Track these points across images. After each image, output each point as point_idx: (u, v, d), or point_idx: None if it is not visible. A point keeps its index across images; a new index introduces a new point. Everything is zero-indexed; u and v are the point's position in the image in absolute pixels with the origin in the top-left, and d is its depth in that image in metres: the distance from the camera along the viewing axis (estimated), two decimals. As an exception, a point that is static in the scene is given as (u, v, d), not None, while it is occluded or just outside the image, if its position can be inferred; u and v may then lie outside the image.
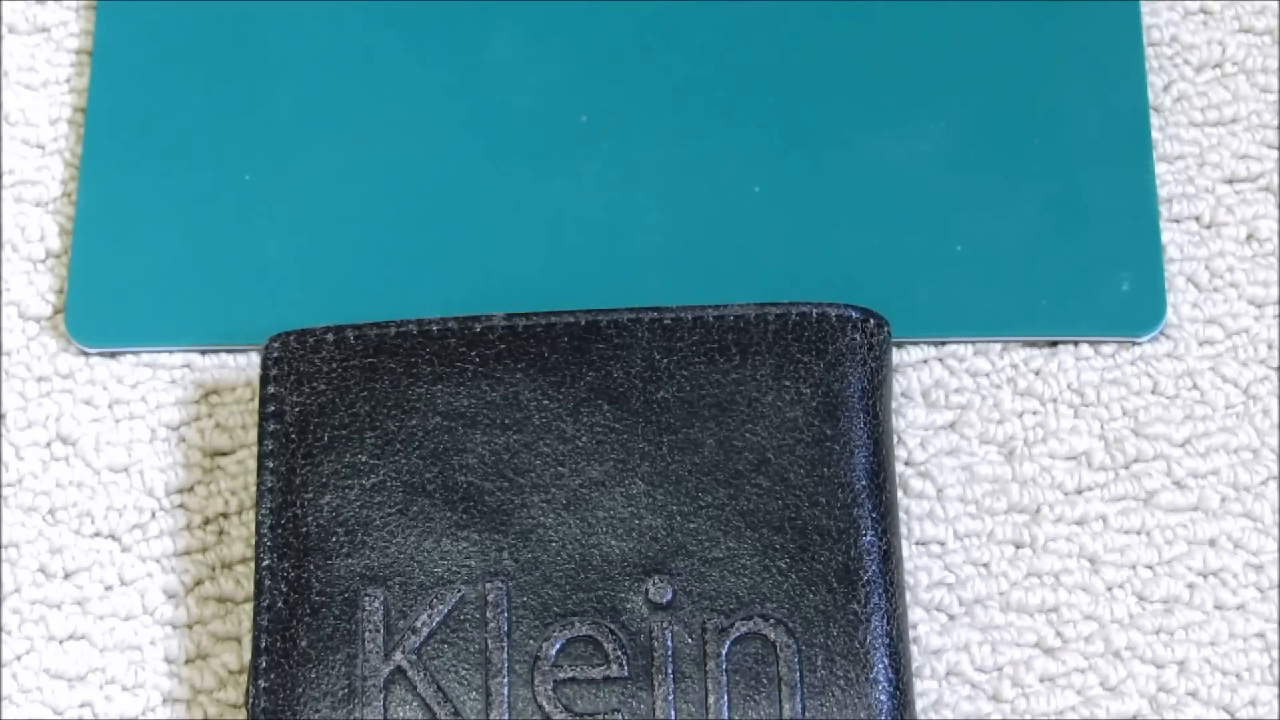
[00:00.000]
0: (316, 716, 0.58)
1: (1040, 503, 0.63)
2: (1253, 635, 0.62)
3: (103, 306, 0.65)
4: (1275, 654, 0.62)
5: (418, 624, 0.59)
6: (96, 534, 0.63)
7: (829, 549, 0.59)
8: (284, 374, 0.61)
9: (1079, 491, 0.63)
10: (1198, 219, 0.66)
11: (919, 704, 0.61)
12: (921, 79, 0.67)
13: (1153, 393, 0.64)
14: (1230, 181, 0.67)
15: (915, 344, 0.65)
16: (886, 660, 0.58)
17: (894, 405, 0.64)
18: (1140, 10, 0.68)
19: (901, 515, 0.63)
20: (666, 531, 0.59)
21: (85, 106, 0.67)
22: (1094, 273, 0.64)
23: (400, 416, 0.60)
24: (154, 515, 0.63)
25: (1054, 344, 0.65)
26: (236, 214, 0.66)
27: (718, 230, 0.65)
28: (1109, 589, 0.62)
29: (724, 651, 0.58)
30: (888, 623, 0.58)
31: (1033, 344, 0.65)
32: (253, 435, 0.64)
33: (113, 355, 0.65)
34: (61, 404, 0.64)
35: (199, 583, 0.63)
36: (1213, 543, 0.63)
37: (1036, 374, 0.64)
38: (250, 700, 0.58)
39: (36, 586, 0.63)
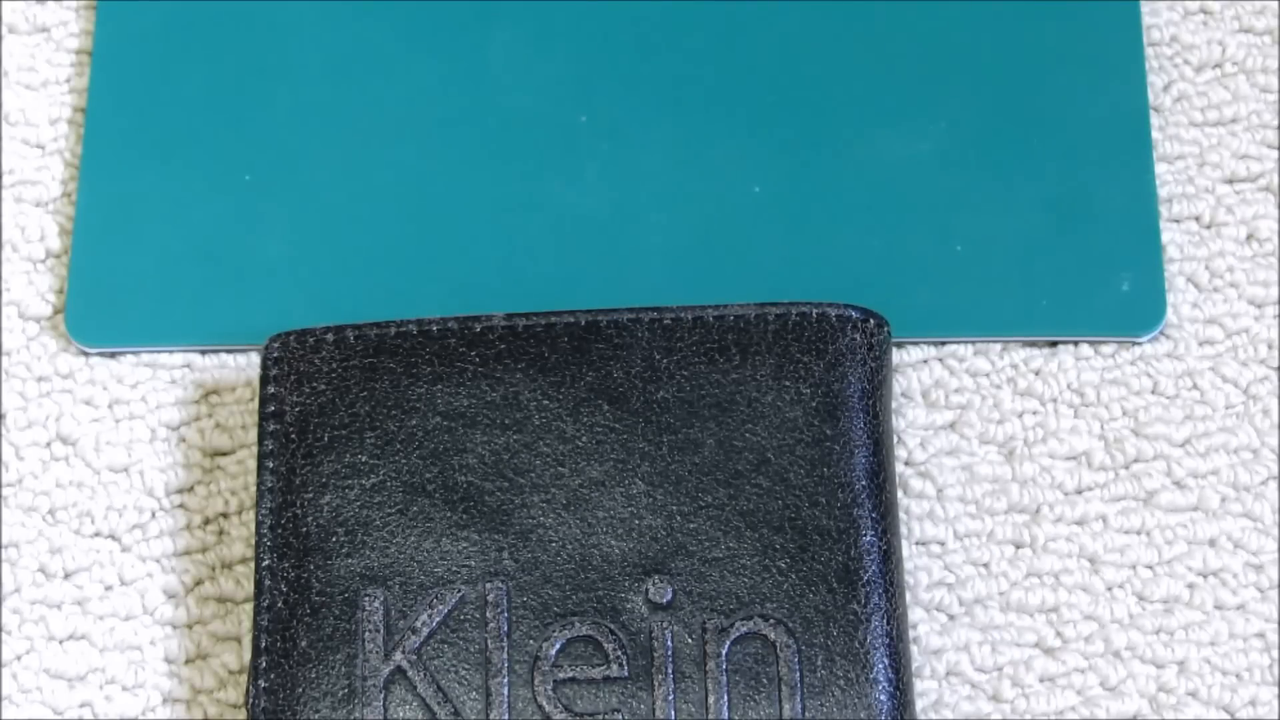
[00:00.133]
0: (316, 716, 0.58)
1: (1040, 503, 0.63)
2: (1253, 635, 0.62)
3: (103, 306, 0.65)
4: (1275, 654, 0.62)
5: (418, 624, 0.59)
6: (96, 534, 0.63)
7: (829, 549, 0.59)
8: (284, 374, 0.61)
9: (1079, 491, 0.63)
10: (1198, 219, 0.66)
11: (919, 704, 0.61)
12: (921, 79, 0.67)
13: (1153, 393, 0.64)
14: (1230, 181, 0.67)
15: (915, 344, 0.65)
16: (886, 660, 0.58)
17: (894, 405, 0.64)
18: (1140, 10, 0.68)
19: (901, 515, 0.63)
20: (666, 531, 0.59)
21: (85, 106, 0.67)
22: (1094, 273, 0.64)
23: (400, 416, 0.60)
24: (154, 515, 0.63)
25: (1054, 344, 0.65)
26: (236, 214, 0.66)
27: (718, 230, 0.65)
28: (1109, 589, 0.62)
29: (724, 651, 0.58)
30: (888, 623, 0.58)
31: (1033, 344, 0.65)
32: (253, 435, 0.64)
33: (113, 355, 0.65)
34: (61, 404, 0.64)
35: (199, 583, 0.63)
36: (1213, 543, 0.63)
37: (1036, 374, 0.64)
38: (250, 700, 0.58)
39: (36, 586, 0.63)
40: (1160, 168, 0.67)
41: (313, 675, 0.58)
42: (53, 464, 0.64)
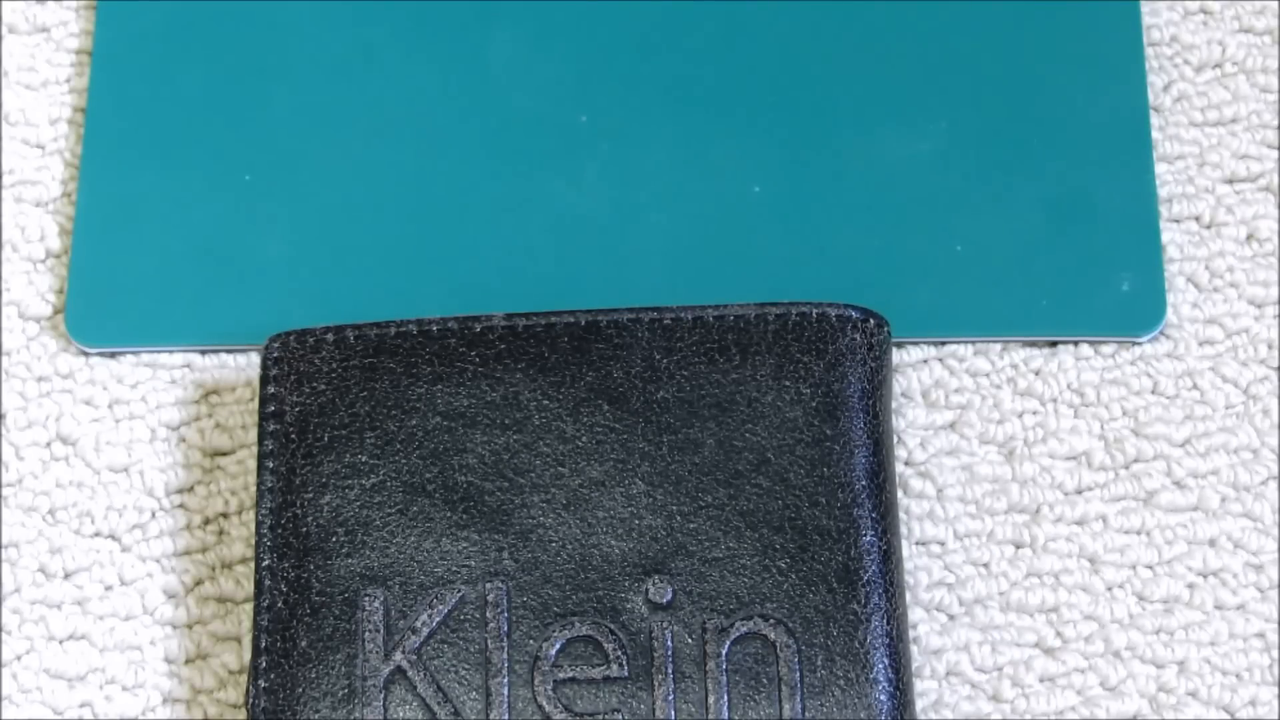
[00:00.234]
0: (316, 716, 0.58)
1: (1040, 503, 0.63)
2: (1253, 635, 0.62)
3: (103, 306, 0.65)
4: (1275, 654, 0.62)
5: (418, 624, 0.59)
6: (96, 534, 0.63)
7: (829, 549, 0.59)
8: (284, 374, 0.61)
9: (1079, 491, 0.63)
10: (1198, 219, 0.66)
11: (919, 704, 0.61)
12: (921, 79, 0.67)
13: (1153, 393, 0.64)
14: (1230, 181, 0.67)
15: (915, 344, 0.65)
16: (886, 660, 0.58)
17: (894, 405, 0.64)
18: (1140, 10, 0.68)
19: (901, 515, 0.63)
20: (666, 531, 0.59)
21: (85, 106, 0.67)
22: (1094, 273, 0.64)
23: (400, 416, 0.60)
24: (154, 515, 0.63)
25: (1054, 344, 0.65)
26: (236, 214, 0.66)
27: (718, 230, 0.65)
28: (1109, 589, 0.62)
29: (724, 651, 0.58)
30: (888, 623, 0.58)
31: (1033, 344, 0.65)
32: (253, 435, 0.64)
33: (113, 355, 0.65)
34: (61, 404, 0.64)
35: (199, 583, 0.63)
36: (1213, 543, 0.63)
37: (1036, 374, 0.64)
38: (250, 700, 0.58)
39: (36, 586, 0.63)
40: (1160, 168, 0.67)
41: (313, 675, 0.58)
42: (53, 464, 0.64)
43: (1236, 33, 0.68)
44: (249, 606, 0.62)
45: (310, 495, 0.60)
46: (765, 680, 0.58)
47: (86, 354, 0.65)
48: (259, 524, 0.60)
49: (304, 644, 0.59)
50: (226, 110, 0.67)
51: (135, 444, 0.64)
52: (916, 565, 0.62)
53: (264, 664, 0.59)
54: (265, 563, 0.59)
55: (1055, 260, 0.65)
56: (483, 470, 0.60)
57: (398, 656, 0.58)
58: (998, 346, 0.65)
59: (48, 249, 0.66)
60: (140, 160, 0.66)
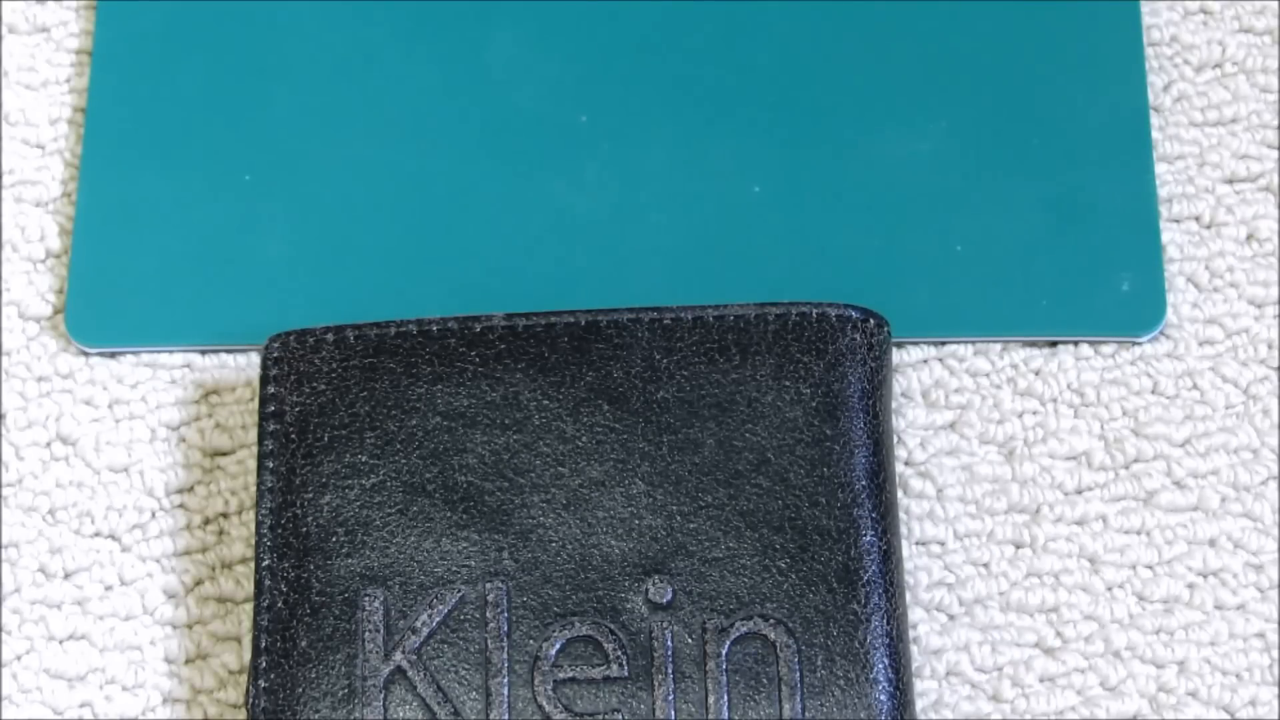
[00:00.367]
0: (316, 716, 0.58)
1: (1040, 503, 0.63)
2: (1253, 635, 0.62)
3: (103, 306, 0.65)
4: (1275, 654, 0.62)
5: (418, 624, 0.59)
6: (96, 534, 0.63)
7: (829, 549, 0.59)
8: (284, 374, 0.61)
9: (1079, 491, 0.63)
10: (1198, 219, 0.66)
11: (919, 704, 0.61)
12: (921, 79, 0.67)
13: (1153, 393, 0.64)
14: (1230, 181, 0.67)
15: (915, 344, 0.65)
16: (886, 660, 0.58)
17: (894, 405, 0.64)
18: (1140, 10, 0.68)
19: (901, 515, 0.63)
20: (666, 531, 0.59)
21: (85, 106, 0.67)
22: (1094, 273, 0.64)
23: (400, 416, 0.60)
24: (154, 515, 0.63)
25: (1054, 344, 0.65)
26: (236, 214, 0.66)
27: (718, 230, 0.65)
28: (1109, 589, 0.62)
29: (724, 651, 0.58)
30: (888, 623, 0.58)
31: (1033, 344, 0.65)
32: (253, 435, 0.64)
33: (113, 355, 0.65)
34: (61, 404, 0.64)
35: (199, 583, 0.63)
36: (1213, 543, 0.63)
37: (1036, 374, 0.64)
38: (250, 700, 0.58)
39: (36, 586, 0.63)
40: (1160, 168, 0.67)
41: (313, 675, 0.58)
42: (53, 464, 0.64)
43: (1236, 33, 0.68)
44: (249, 606, 0.62)
45: (310, 495, 0.60)
46: (765, 680, 0.58)
47: (86, 354, 0.65)
48: (259, 524, 0.60)
49: (304, 644, 0.59)
50: (226, 110, 0.67)
51: (135, 444, 0.64)
52: (916, 565, 0.62)
53: (264, 664, 0.59)
54: (265, 563, 0.59)
55: (1055, 260, 0.65)
56: (483, 470, 0.60)
57: (398, 656, 0.58)
58: (998, 346, 0.65)
59: (48, 249, 0.66)
60: (140, 160, 0.66)
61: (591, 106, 0.67)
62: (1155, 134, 0.67)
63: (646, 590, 0.59)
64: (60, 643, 0.62)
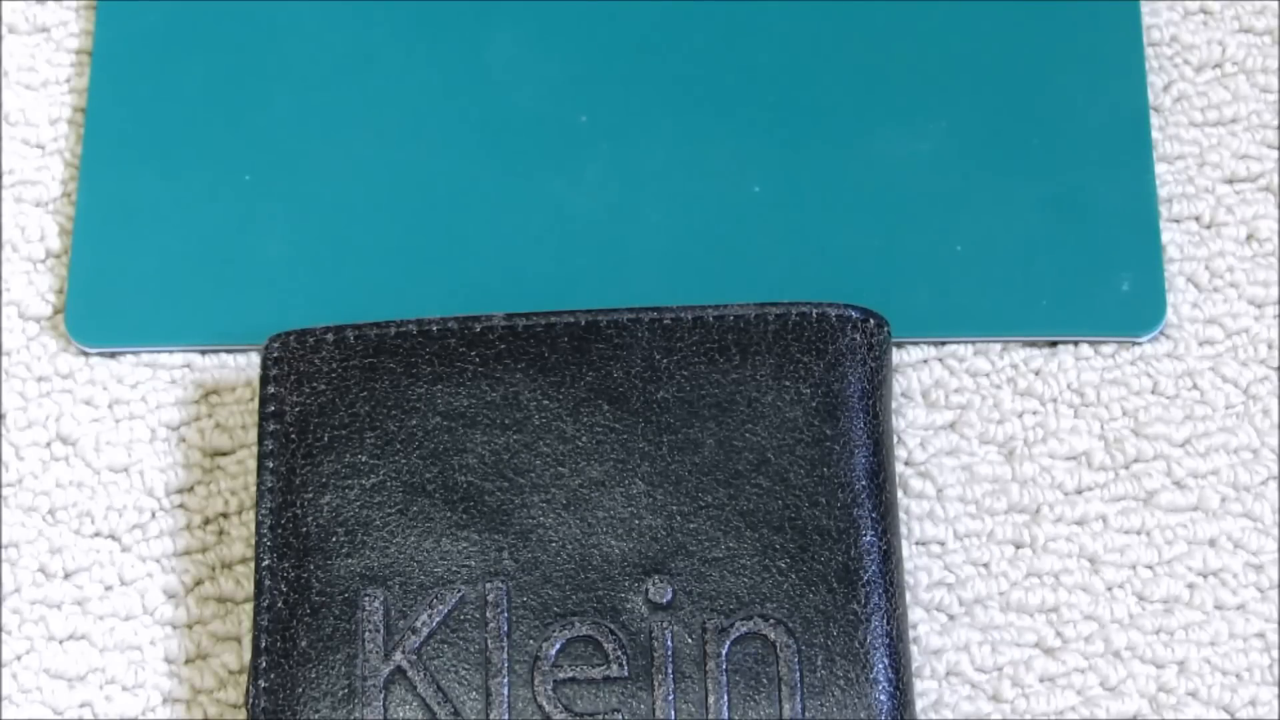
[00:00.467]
0: (316, 716, 0.58)
1: (1040, 503, 0.63)
2: (1253, 635, 0.62)
3: (103, 306, 0.65)
4: (1275, 654, 0.62)
5: (418, 624, 0.59)
6: (96, 534, 0.63)
7: (829, 549, 0.59)
8: (284, 374, 0.61)
9: (1079, 491, 0.63)
10: (1198, 219, 0.66)
11: (919, 704, 0.61)
12: (921, 79, 0.67)
13: (1153, 393, 0.64)
14: (1230, 181, 0.67)
15: (915, 344, 0.65)
16: (886, 660, 0.58)
17: (894, 405, 0.64)
18: (1140, 10, 0.68)
19: (901, 515, 0.63)
20: (666, 531, 0.59)
21: (85, 106, 0.67)
22: (1094, 273, 0.64)
23: (400, 416, 0.60)
24: (154, 515, 0.63)
25: (1054, 344, 0.65)
26: (236, 214, 0.66)
27: (718, 230, 0.65)
28: (1109, 589, 0.62)
29: (724, 651, 0.58)
30: (888, 623, 0.58)
31: (1033, 344, 0.65)
32: (253, 435, 0.64)
33: (113, 355, 0.65)
34: (61, 404, 0.64)
35: (199, 583, 0.63)
36: (1213, 543, 0.63)
37: (1036, 374, 0.64)
38: (250, 700, 0.58)
39: (36, 586, 0.63)
40: (1160, 168, 0.67)
41: (313, 675, 0.58)
42: (53, 464, 0.64)
43: (1236, 33, 0.68)
44: (249, 606, 0.62)
45: (310, 495, 0.60)
46: (765, 680, 0.58)
47: (86, 354, 0.65)
48: (259, 524, 0.60)
49: (304, 644, 0.59)
50: (226, 110, 0.67)
51: (135, 444, 0.64)
52: (916, 565, 0.62)
53: (264, 664, 0.59)
54: (265, 563, 0.59)
55: (1055, 260, 0.65)
56: (483, 470, 0.60)
57: (398, 656, 0.58)
58: (998, 346, 0.65)
59: (48, 249, 0.66)
60: (140, 160, 0.66)
61: (591, 106, 0.67)
62: (1155, 134, 0.67)
63: (646, 590, 0.59)
64: (60, 643, 0.62)
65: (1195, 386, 0.64)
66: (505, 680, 0.58)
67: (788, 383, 0.60)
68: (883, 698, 0.58)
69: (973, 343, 0.65)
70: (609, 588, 0.59)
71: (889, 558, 0.59)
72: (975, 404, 0.64)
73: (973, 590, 0.62)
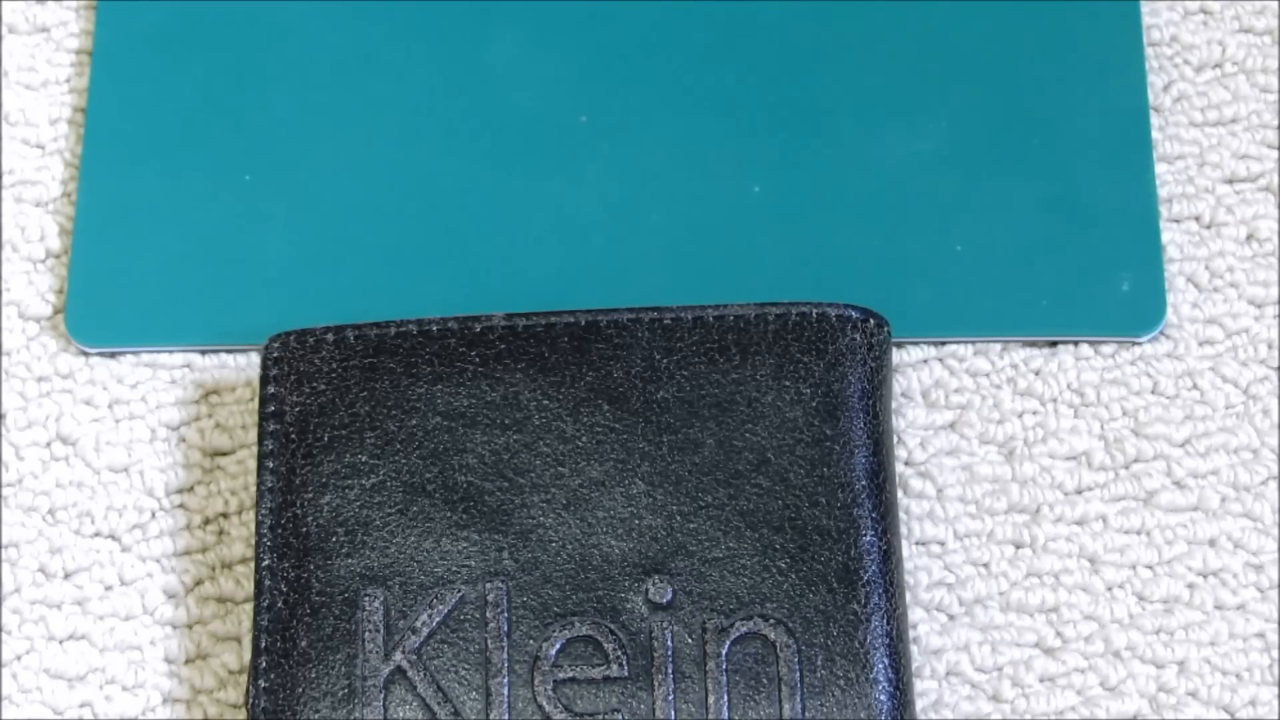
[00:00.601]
0: (316, 716, 0.58)
1: (1040, 503, 0.63)
2: (1253, 635, 0.62)
3: (103, 306, 0.65)
4: (1275, 654, 0.62)
5: (418, 624, 0.59)
6: (96, 534, 0.63)
7: (829, 549, 0.59)
8: (284, 374, 0.61)
9: (1079, 491, 0.63)
10: (1198, 219, 0.66)
11: (919, 704, 0.61)
12: (921, 79, 0.67)
13: (1153, 393, 0.64)
14: (1230, 181, 0.67)
15: (915, 344, 0.65)
16: (886, 660, 0.58)
17: (894, 405, 0.64)
18: (1140, 10, 0.68)
19: (901, 515, 0.63)
20: (666, 531, 0.59)
21: (85, 106, 0.67)
22: (1094, 273, 0.64)
23: (400, 416, 0.60)
24: (154, 515, 0.63)
25: (1054, 344, 0.65)
26: (236, 214, 0.66)
27: (718, 230, 0.65)
28: (1109, 589, 0.62)
29: (724, 651, 0.58)
30: (888, 623, 0.58)
31: (1033, 344, 0.65)
32: (253, 435, 0.64)
33: (113, 355, 0.65)
34: (61, 404, 0.64)
35: (199, 583, 0.63)
36: (1213, 543, 0.63)
37: (1036, 374, 0.64)
38: (250, 700, 0.58)
39: (36, 586, 0.63)
40: (1160, 168, 0.67)
41: (313, 675, 0.58)
42: (53, 464, 0.64)
43: (1236, 33, 0.68)
44: (249, 606, 0.62)
45: (310, 495, 0.60)
46: (765, 680, 0.58)
47: (86, 354, 0.65)
48: (259, 524, 0.60)
49: (304, 644, 0.59)
50: (226, 110, 0.67)
51: (135, 444, 0.64)
52: (916, 565, 0.62)
53: (264, 664, 0.59)
54: (265, 563, 0.59)
55: (1055, 260, 0.65)
56: (483, 470, 0.60)
57: (398, 656, 0.58)
58: (998, 346, 0.65)
59: (48, 249, 0.66)
60: (140, 160, 0.66)
61: (591, 106, 0.67)
62: (1155, 134, 0.67)
63: (646, 590, 0.59)
64: (60, 643, 0.62)
65: (1195, 386, 0.64)
66: (505, 680, 0.58)
67: (788, 383, 0.60)
68: (883, 698, 0.58)
69: (973, 343, 0.65)
70: (609, 588, 0.59)
71: (889, 558, 0.59)
72: (975, 404, 0.64)
73: (973, 590, 0.62)
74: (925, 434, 0.64)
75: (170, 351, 0.65)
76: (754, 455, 0.59)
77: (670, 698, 0.58)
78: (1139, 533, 0.63)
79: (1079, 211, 0.65)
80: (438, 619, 0.59)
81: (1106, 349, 0.65)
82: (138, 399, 0.64)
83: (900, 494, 0.63)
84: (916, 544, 0.63)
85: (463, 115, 0.67)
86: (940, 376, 0.65)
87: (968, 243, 0.65)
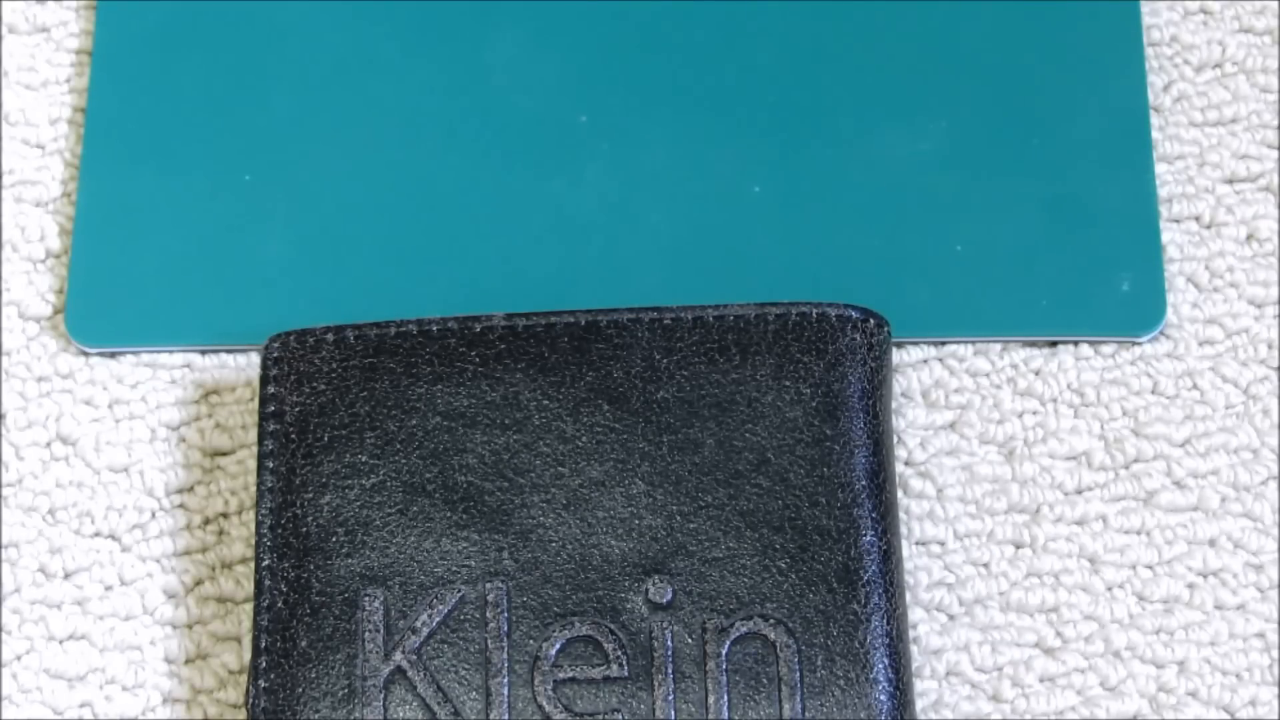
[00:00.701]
0: (316, 716, 0.58)
1: (1040, 503, 0.63)
2: (1253, 635, 0.62)
3: (103, 306, 0.65)
4: (1275, 654, 0.62)
5: (418, 624, 0.59)
6: (96, 534, 0.63)
7: (829, 549, 0.59)
8: (284, 374, 0.61)
9: (1079, 491, 0.63)
10: (1198, 219, 0.66)
11: (919, 704, 0.61)
12: (921, 79, 0.67)
13: (1153, 393, 0.64)
14: (1230, 181, 0.67)
15: (915, 344, 0.65)
16: (886, 660, 0.58)
17: (894, 405, 0.64)
18: (1140, 10, 0.68)
19: (901, 515, 0.63)
20: (666, 531, 0.59)
21: (85, 106, 0.67)
22: (1094, 273, 0.64)
23: (400, 416, 0.60)
24: (154, 515, 0.63)
25: (1054, 344, 0.65)
26: (236, 214, 0.66)
27: (718, 230, 0.65)
28: (1109, 589, 0.62)
29: (724, 651, 0.58)
30: (888, 623, 0.58)
31: (1033, 344, 0.65)
32: (253, 435, 0.64)
33: (113, 355, 0.65)
34: (61, 404, 0.64)
35: (199, 583, 0.63)
36: (1213, 543, 0.63)
37: (1036, 374, 0.64)
38: (250, 700, 0.58)
39: (36, 586, 0.63)
40: (1160, 168, 0.67)
41: (313, 675, 0.58)
42: (53, 464, 0.64)
43: (1236, 33, 0.68)
44: (249, 606, 0.62)
45: (310, 495, 0.60)
46: (765, 680, 0.58)
47: (86, 354, 0.65)
48: (259, 524, 0.60)
49: (304, 644, 0.59)
50: (226, 110, 0.67)
51: (135, 444, 0.64)
52: (916, 565, 0.62)
53: (264, 664, 0.59)
54: (265, 563, 0.59)
55: (1055, 260, 0.65)
56: (483, 470, 0.60)
57: (398, 656, 0.58)
58: (998, 346, 0.65)
59: (48, 249, 0.66)
60: (140, 160, 0.66)
61: (591, 106, 0.67)
62: (1155, 134, 0.67)
63: (646, 590, 0.59)
64: (60, 643, 0.62)
65: (1195, 386, 0.64)
66: (505, 680, 0.58)
67: (788, 383, 0.60)
68: (883, 698, 0.58)
69: (973, 343, 0.65)
70: (609, 588, 0.59)
71: (889, 558, 0.59)
72: (975, 404, 0.64)
73: (973, 590, 0.62)
74: (925, 434, 0.64)
75: (170, 351, 0.65)
76: (754, 455, 0.59)
77: (670, 698, 0.58)
78: (1139, 533, 0.63)
79: (1079, 211, 0.65)
80: (438, 619, 0.59)
81: (1106, 349, 0.65)
82: (138, 399, 0.64)
83: (900, 494, 0.63)
84: (916, 544, 0.63)
85: (463, 115, 0.67)
86: (940, 376, 0.65)
87: (968, 243, 0.65)
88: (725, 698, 0.58)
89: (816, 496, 0.59)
